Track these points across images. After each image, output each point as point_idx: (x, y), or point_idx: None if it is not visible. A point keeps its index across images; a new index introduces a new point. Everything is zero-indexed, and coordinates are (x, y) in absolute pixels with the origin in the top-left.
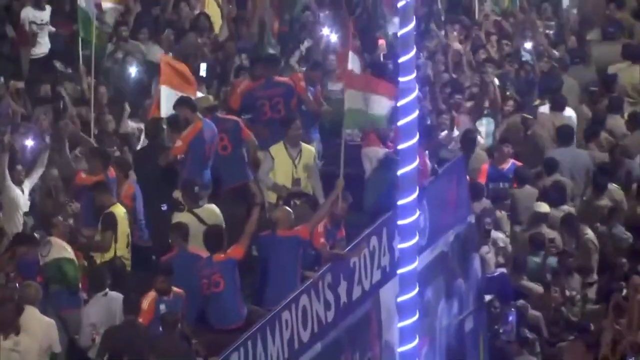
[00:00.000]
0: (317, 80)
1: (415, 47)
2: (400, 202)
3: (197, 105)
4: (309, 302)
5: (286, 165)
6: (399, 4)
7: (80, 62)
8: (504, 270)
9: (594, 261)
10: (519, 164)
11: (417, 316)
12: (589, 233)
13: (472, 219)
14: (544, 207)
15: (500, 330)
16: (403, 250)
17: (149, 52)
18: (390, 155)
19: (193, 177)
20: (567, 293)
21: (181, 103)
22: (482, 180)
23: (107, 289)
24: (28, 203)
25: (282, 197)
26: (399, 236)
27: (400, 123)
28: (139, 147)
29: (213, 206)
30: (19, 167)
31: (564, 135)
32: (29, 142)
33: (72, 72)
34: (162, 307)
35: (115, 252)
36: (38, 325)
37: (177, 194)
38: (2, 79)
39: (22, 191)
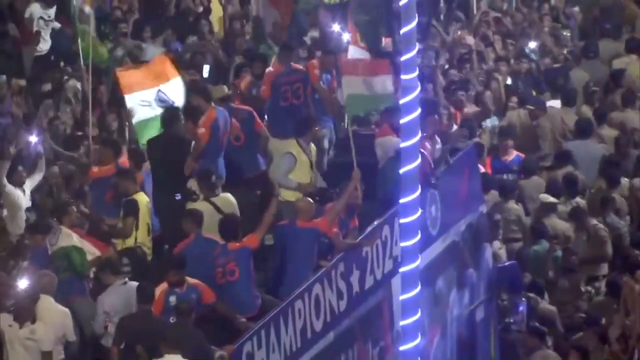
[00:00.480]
0: (331, 67)
1: (417, 44)
2: (402, 201)
3: (211, 94)
4: (321, 292)
5: (306, 165)
6: (401, 2)
7: (82, 61)
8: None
9: (609, 249)
10: (523, 155)
11: (419, 315)
12: (598, 223)
13: (483, 208)
14: (550, 197)
15: (511, 321)
16: (405, 248)
17: (146, 51)
18: None
19: (208, 165)
20: (583, 289)
21: (194, 91)
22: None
23: (127, 279)
24: (29, 204)
25: (306, 195)
26: (401, 235)
27: (402, 121)
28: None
29: (229, 195)
30: (20, 168)
31: (581, 128)
32: (30, 143)
33: (73, 70)
34: (172, 299)
35: (135, 239)
36: (53, 314)
37: (192, 184)
38: (4, 77)
39: (24, 192)
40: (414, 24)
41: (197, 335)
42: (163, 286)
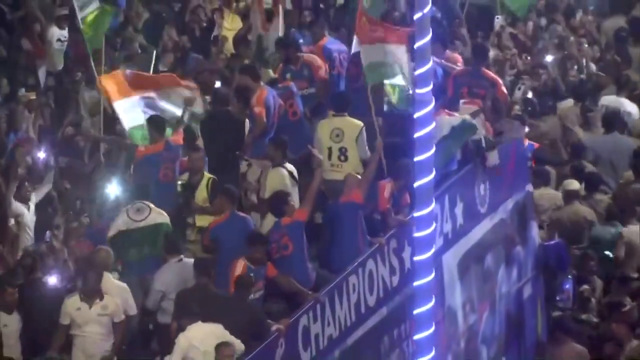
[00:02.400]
0: None
1: (432, 58)
2: (416, 214)
3: (259, 74)
4: (375, 267)
5: None
6: (416, 16)
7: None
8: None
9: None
10: (536, 145)
11: (433, 328)
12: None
13: (529, 187)
14: (573, 185)
15: (557, 298)
16: (419, 262)
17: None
18: (467, 121)
19: (263, 143)
20: None
21: (243, 71)
22: None
23: (182, 256)
24: (34, 219)
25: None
26: (414, 249)
27: (416, 135)
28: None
29: (291, 166)
30: (26, 184)
31: (606, 122)
32: (39, 158)
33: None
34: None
35: None
36: (115, 289)
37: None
38: (23, 90)
39: (28, 208)
40: (428, 38)
41: (253, 309)
42: (242, 262)
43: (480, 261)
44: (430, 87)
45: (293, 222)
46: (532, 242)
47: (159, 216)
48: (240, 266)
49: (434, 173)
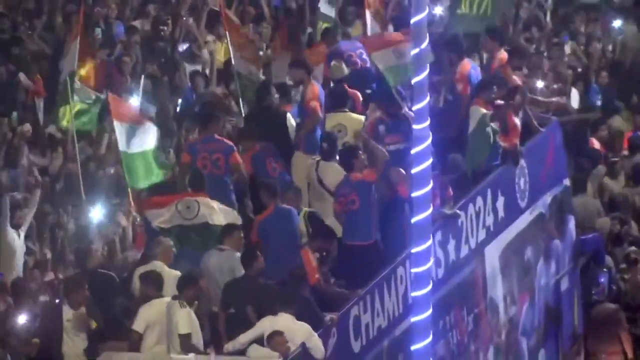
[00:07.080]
0: None
1: (429, 94)
2: (414, 250)
3: (312, 68)
4: None
5: None
6: (413, 52)
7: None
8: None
9: None
10: None
11: None
12: None
13: (567, 181)
14: None
15: (592, 292)
16: (416, 298)
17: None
18: (487, 114)
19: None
20: None
21: (296, 65)
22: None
23: (227, 247)
24: (24, 247)
25: None
26: (412, 284)
27: (414, 171)
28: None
29: None
30: (18, 212)
31: None
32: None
33: None
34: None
35: None
36: None
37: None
38: (28, 125)
39: (19, 235)
40: (425, 73)
41: (306, 299)
42: (310, 252)
43: (521, 254)
44: (428, 122)
45: (362, 181)
46: (569, 236)
47: (207, 212)
48: (312, 256)
49: (431, 209)
